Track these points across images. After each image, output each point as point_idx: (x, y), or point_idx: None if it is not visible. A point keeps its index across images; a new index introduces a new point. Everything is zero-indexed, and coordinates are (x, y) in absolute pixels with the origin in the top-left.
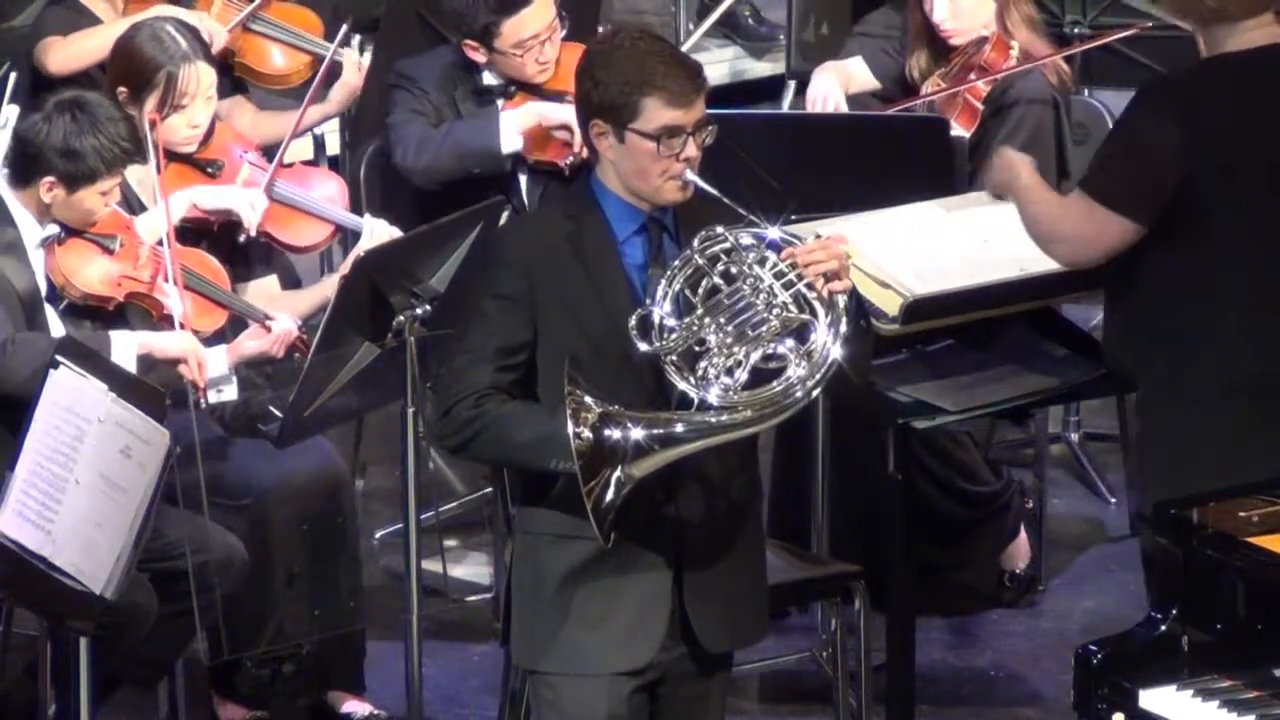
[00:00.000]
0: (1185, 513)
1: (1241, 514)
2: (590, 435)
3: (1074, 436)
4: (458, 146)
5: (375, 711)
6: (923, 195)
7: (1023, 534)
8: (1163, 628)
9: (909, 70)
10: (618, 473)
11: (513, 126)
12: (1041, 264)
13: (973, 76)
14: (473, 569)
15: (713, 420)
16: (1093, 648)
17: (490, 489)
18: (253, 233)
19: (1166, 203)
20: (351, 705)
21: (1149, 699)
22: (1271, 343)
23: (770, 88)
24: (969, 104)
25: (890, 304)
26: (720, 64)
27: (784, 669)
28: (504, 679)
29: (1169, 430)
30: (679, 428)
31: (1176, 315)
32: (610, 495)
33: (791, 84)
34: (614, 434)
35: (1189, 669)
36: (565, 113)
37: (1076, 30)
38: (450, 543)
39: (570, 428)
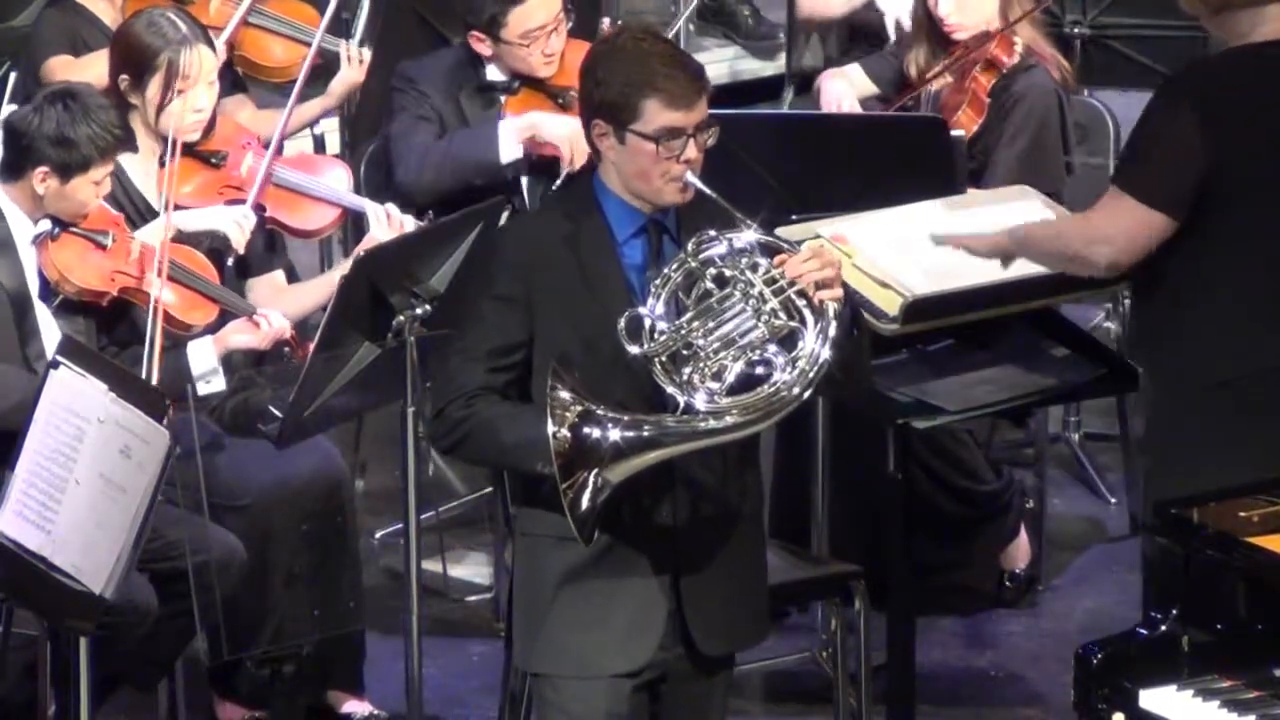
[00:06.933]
0: (1185, 513)
1: (1241, 514)
2: (569, 434)
3: (1074, 436)
4: (457, 160)
5: (375, 711)
6: (923, 195)
7: (1023, 534)
8: (1163, 628)
9: (907, 66)
10: (593, 475)
11: (511, 136)
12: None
13: (977, 71)
14: (473, 569)
15: (698, 425)
16: (1093, 648)
17: (490, 489)
18: (240, 251)
19: (1196, 196)
20: (351, 705)
21: (1149, 699)
22: None
23: (770, 88)
24: (977, 97)
25: (890, 304)
26: (720, 64)
27: (784, 669)
28: (504, 679)
29: (1172, 428)
30: (660, 431)
31: (1192, 310)
32: (586, 498)
33: (791, 84)
34: (593, 434)
35: (1189, 669)
36: (561, 128)
37: (1077, 30)
38: (450, 543)
39: (550, 427)
